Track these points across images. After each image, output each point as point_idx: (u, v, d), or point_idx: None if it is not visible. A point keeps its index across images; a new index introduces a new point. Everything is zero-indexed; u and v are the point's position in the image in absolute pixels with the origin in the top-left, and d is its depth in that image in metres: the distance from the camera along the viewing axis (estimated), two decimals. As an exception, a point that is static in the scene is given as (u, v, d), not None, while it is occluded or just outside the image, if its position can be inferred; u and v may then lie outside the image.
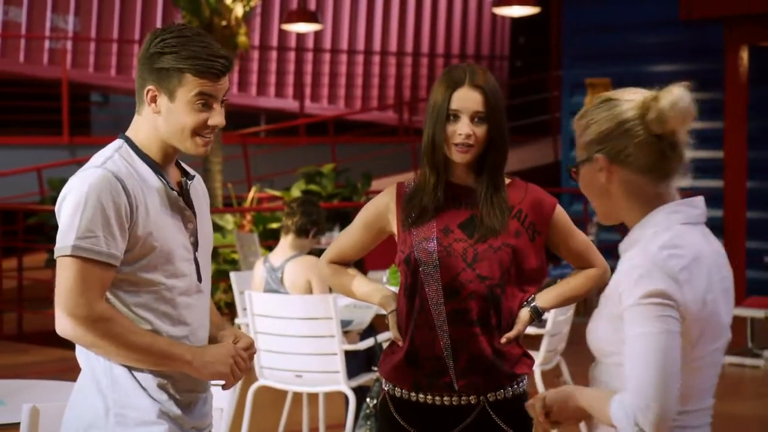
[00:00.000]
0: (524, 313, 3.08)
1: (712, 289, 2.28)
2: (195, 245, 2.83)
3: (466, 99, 3.02)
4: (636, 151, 2.32)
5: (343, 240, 3.24)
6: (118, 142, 2.80)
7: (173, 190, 2.79)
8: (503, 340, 3.04)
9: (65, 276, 2.64)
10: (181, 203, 2.80)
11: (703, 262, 2.28)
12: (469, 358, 3.01)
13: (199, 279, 2.84)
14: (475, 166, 3.06)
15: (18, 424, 3.31)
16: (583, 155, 2.38)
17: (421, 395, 3.06)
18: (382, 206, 3.16)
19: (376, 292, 3.19)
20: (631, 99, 2.35)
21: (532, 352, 6.02)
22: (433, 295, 3.01)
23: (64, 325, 2.67)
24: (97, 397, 2.72)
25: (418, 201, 3.07)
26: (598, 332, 2.33)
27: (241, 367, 2.80)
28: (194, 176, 2.89)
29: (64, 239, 2.66)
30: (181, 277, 2.76)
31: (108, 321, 2.65)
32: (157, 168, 2.77)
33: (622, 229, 2.42)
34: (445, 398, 3.04)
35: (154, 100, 2.74)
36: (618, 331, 2.25)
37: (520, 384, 3.11)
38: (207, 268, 2.91)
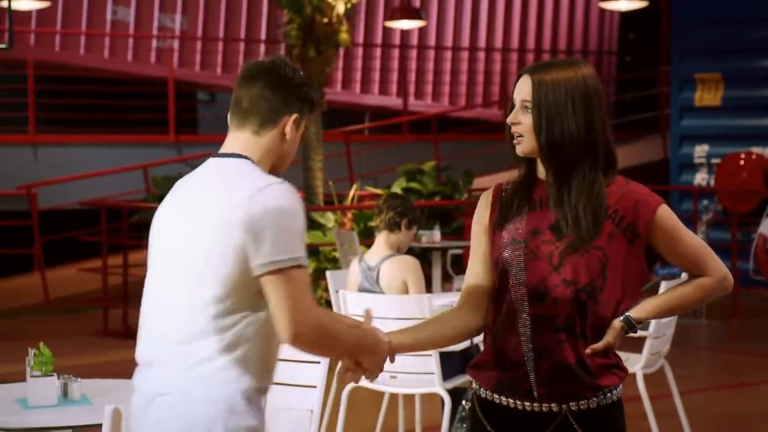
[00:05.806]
0: (615, 324, 2.88)
1: None
2: None
3: (518, 88, 2.94)
4: None
5: (467, 277, 3.05)
6: (250, 164, 2.82)
7: None
8: (587, 351, 2.87)
9: (298, 287, 2.71)
10: None
11: None
12: (551, 367, 2.88)
13: None
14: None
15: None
16: None
17: (503, 397, 2.96)
18: (480, 216, 3.04)
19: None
20: None
21: (634, 355, 5.93)
22: (518, 298, 2.90)
23: (303, 333, 2.72)
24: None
25: (508, 201, 2.96)
26: None
27: None
28: None
29: (292, 251, 2.70)
30: None
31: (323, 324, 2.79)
32: None
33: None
34: (526, 404, 2.92)
35: (296, 125, 2.86)
36: None
37: (608, 395, 2.93)
38: None
